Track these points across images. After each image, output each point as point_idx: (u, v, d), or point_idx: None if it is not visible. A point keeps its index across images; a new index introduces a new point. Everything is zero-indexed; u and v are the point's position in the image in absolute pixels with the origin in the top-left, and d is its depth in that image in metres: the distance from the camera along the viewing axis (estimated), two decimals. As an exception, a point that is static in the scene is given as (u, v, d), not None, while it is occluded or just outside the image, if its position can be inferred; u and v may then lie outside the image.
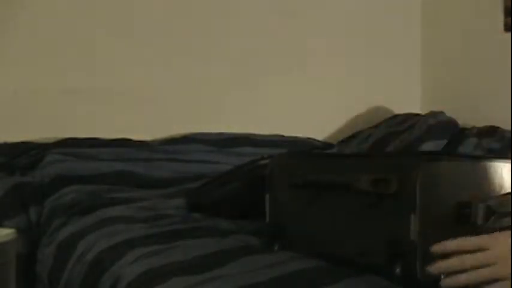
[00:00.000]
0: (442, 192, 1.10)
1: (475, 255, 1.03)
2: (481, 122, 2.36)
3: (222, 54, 2.39)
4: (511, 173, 1.16)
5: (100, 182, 1.89)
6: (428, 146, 2.26)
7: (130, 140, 2.16)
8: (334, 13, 2.60)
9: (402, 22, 2.74)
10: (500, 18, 2.42)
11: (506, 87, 2.27)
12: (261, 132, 2.38)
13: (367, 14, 2.66)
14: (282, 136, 2.42)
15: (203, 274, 1.18)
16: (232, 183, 1.62)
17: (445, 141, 2.29)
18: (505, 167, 1.16)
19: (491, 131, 2.29)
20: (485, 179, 1.13)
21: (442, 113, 2.45)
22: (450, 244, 1.04)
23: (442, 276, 1.03)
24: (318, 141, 2.51)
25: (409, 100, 2.72)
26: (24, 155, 2.01)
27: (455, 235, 1.06)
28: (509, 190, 1.15)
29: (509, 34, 2.36)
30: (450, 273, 1.03)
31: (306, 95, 2.53)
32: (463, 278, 1.02)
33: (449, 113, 2.45)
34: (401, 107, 2.65)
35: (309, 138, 2.48)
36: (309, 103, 2.53)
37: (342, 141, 2.54)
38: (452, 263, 1.03)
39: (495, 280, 1.01)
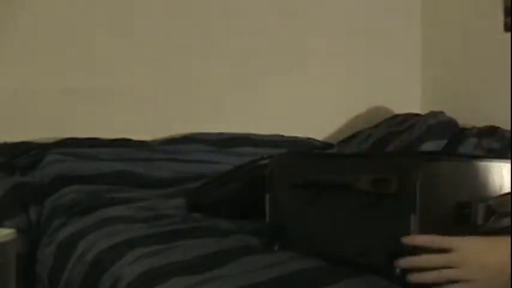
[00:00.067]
0: (442, 192, 1.10)
1: (441, 255, 1.06)
2: (481, 122, 2.36)
3: (222, 54, 2.39)
4: (511, 173, 1.16)
5: (100, 182, 1.89)
6: (428, 146, 2.26)
7: (130, 140, 2.16)
8: (334, 13, 2.60)
9: (402, 22, 2.74)
10: (500, 18, 2.42)
11: (506, 87, 2.27)
12: (261, 132, 2.38)
13: (367, 14, 2.66)
14: (282, 136, 2.42)
15: (203, 274, 1.18)
16: (232, 183, 1.62)
17: (445, 141, 2.29)
18: (505, 167, 1.16)
19: (491, 131, 2.29)
20: (485, 179, 1.14)
21: (442, 113, 2.45)
22: (419, 239, 1.07)
23: None
24: (318, 141, 2.51)
25: (409, 100, 2.72)
26: (24, 155, 2.01)
27: (455, 235, 1.06)
28: (509, 190, 1.15)
29: (509, 34, 2.36)
30: (417, 269, 1.06)
31: (306, 95, 2.53)
32: (428, 276, 1.05)
33: (449, 113, 2.45)
34: (401, 107, 2.65)
35: (309, 138, 2.48)
36: (309, 103, 2.53)
37: (342, 141, 2.54)
38: (419, 259, 1.06)
39: (456, 282, 1.04)
